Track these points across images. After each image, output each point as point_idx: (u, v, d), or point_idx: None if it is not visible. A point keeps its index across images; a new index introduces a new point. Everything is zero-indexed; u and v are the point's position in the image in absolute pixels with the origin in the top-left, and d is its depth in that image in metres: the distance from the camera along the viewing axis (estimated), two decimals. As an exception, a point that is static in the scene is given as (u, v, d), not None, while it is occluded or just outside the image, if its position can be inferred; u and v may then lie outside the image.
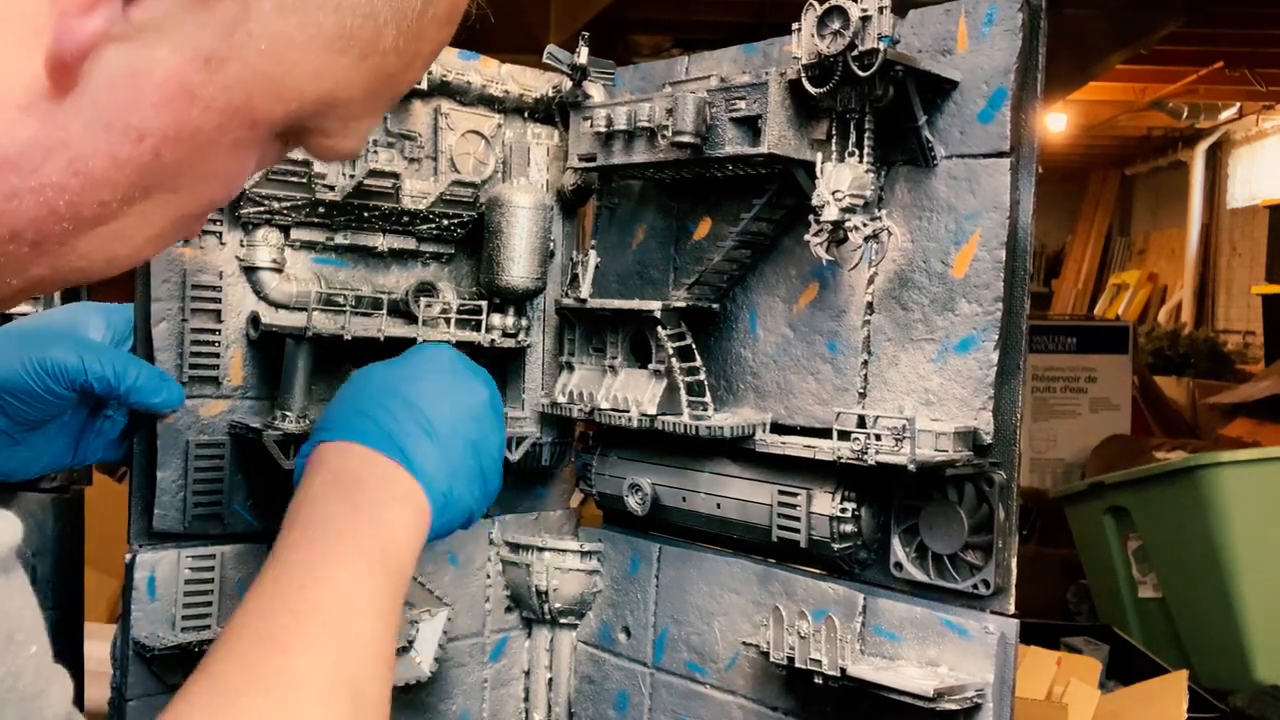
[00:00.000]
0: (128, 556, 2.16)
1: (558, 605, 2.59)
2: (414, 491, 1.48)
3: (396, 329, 2.32)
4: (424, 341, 2.13)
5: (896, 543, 2.08)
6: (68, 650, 2.46)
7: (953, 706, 1.87)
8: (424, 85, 2.38)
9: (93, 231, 0.98)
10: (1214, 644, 4.70)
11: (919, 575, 2.05)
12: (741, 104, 2.04)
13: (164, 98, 0.86)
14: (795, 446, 2.12)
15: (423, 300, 2.41)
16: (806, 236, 2.02)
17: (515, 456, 2.53)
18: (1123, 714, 3.60)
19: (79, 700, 2.50)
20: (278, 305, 2.28)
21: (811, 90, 1.97)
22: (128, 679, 2.16)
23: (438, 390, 1.63)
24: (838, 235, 2.00)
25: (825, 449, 2.05)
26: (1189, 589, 4.85)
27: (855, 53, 1.88)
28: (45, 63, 0.88)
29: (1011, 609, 1.95)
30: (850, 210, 1.96)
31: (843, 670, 1.97)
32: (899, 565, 2.08)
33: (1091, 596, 5.75)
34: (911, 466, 1.87)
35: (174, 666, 2.18)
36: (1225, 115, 15.21)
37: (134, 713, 2.17)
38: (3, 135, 0.88)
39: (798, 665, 2.03)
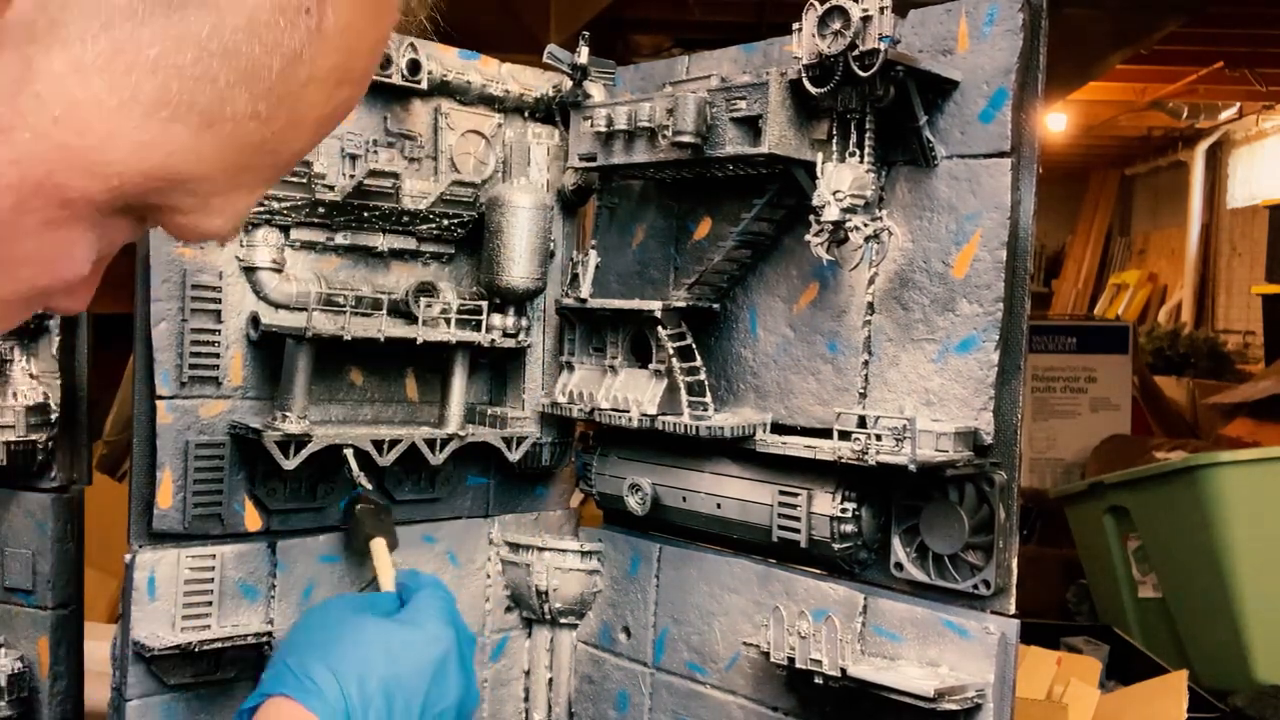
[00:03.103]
0: (128, 556, 2.16)
1: (558, 605, 2.58)
2: None
3: (396, 329, 2.32)
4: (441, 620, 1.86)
5: (897, 543, 2.08)
6: (68, 650, 2.45)
7: (953, 707, 1.86)
8: (424, 85, 2.38)
9: None
10: (1214, 644, 4.70)
11: (919, 575, 2.05)
12: (742, 104, 2.04)
13: None
14: (796, 446, 2.12)
15: (423, 300, 2.41)
16: (807, 236, 2.02)
17: (515, 456, 2.53)
18: (1123, 714, 3.60)
19: (78, 700, 2.49)
20: (278, 305, 2.28)
21: (812, 90, 1.97)
22: (127, 679, 2.16)
23: (418, 679, 1.68)
24: (838, 235, 2.00)
25: (826, 449, 2.05)
26: (1189, 589, 4.84)
27: (856, 52, 1.88)
28: None
29: (1012, 609, 1.95)
30: (851, 210, 1.96)
31: (843, 670, 1.96)
32: (899, 565, 2.08)
33: (1091, 596, 5.74)
34: (912, 467, 1.87)
35: (174, 667, 2.18)
36: (1225, 115, 15.22)
37: (134, 713, 2.17)
38: None
39: (798, 665, 2.03)
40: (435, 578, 2.03)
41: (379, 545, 2.09)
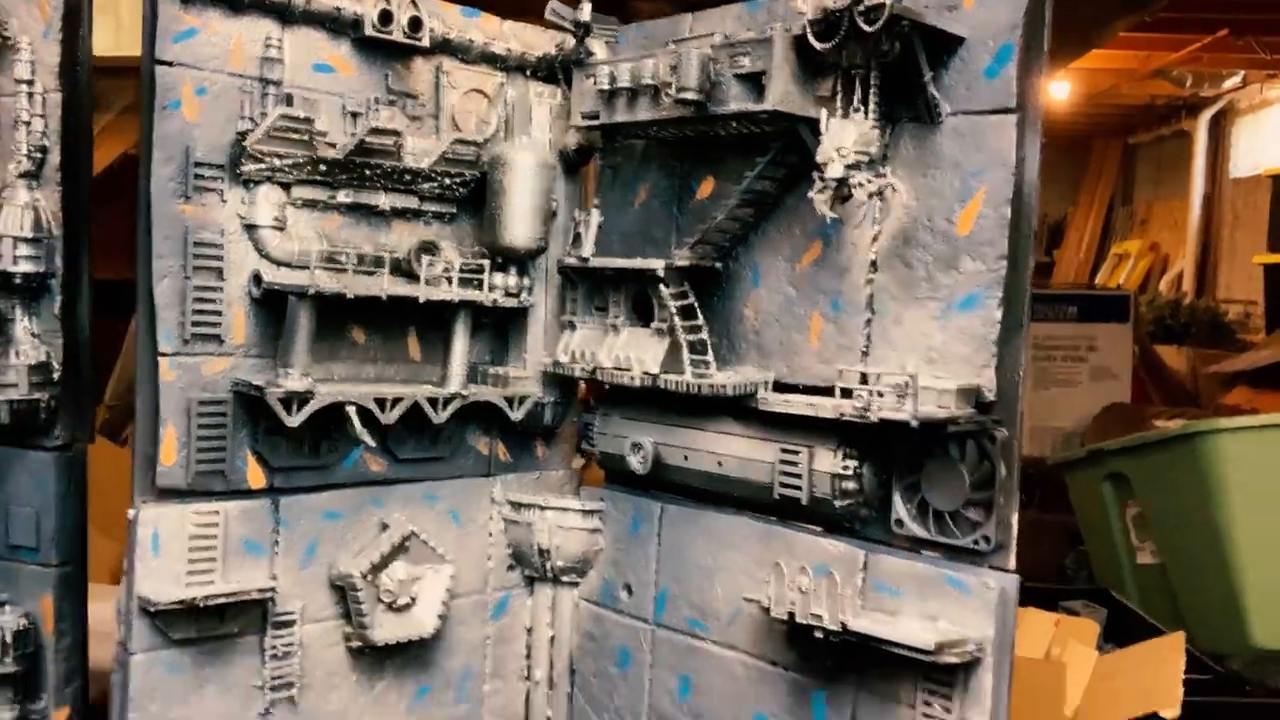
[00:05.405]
0: (131, 513, 2.17)
1: (560, 563, 2.60)
2: None
3: (399, 288, 2.32)
4: None
5: (898, 499, 2.09)
6: (72, 607, 2.47)
7: (953, 659, 1.88)
8: (426, 42, 2.36)
9: None
10: (1211, 609, 4.71)
11: (920, 531, 2.06)
12: (746, 60, 2.02)
13: None
14: (797, 404, 2.12)
15: (425, 259, 2.40)
16: (810, 194, 2.01)
17: (517, 416, 2.54)
18: (1121, 674, 3.62)
19: (83, 656, 2.50)
20: (280, 263, 2.28)
21: (817, 45, 1.96)
22: (132, 634, 2.17)
23: None
24: (842, 192, 1.99)
25: (828, 406, 2.05)
26: (1187, 555, 4.86)
27: (862, 7, 1.86)
28: None
29: (1012, 564, 1.96)
30: (855, 167, 1.95)
31: (843, 624, 1.98)
32: (900, 522, 2.09)
33: (1090, 563, 5.77)
34: (914, 423, 1.88)
35: (178, 622, 2.19)
36: (1229, 84, 15.10)
37: (139, 667, 2.18)
38: None
39: (799, 620, 2.04)
40: None
41: None
